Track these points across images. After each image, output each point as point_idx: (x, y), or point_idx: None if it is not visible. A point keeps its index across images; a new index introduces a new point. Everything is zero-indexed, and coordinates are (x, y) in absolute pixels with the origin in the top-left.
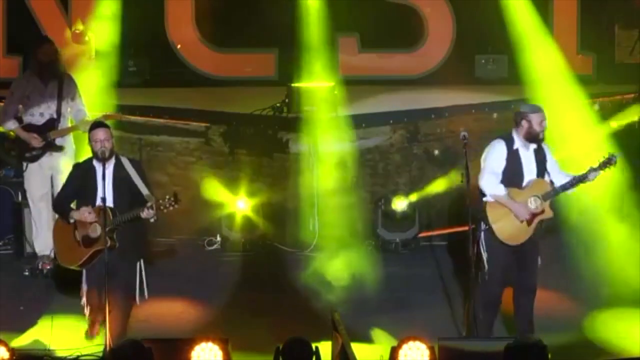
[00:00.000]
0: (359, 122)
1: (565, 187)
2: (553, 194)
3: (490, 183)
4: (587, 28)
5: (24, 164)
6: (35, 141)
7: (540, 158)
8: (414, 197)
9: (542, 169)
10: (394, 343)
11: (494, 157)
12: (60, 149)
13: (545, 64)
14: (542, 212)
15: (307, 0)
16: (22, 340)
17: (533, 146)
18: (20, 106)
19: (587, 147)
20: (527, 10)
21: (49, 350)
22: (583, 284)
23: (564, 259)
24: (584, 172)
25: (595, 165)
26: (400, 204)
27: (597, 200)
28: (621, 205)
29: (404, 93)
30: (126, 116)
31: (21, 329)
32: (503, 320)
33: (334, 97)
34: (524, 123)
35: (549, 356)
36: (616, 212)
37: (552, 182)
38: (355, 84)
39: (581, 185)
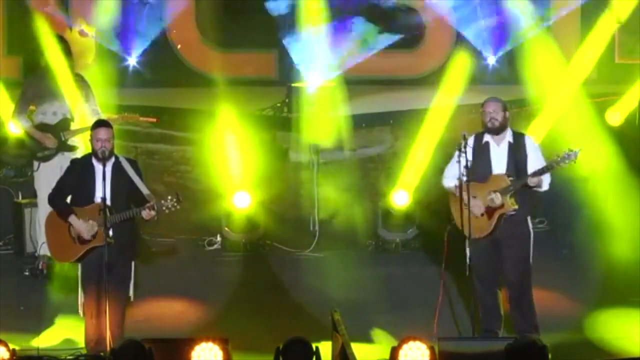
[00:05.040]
0: (359, 122)
1: (522, 182)
2: (510, 189)
3: (445, 177)
4: (587, 28)
5: (36, 164)
6: (49, 141)
7: (517, 154)
8: (412, 192)
9: (514, 165)
10: (394, 343)
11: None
12: (73, 148)
13: (545, 64)
14: (502, 206)
15: (308, 0)
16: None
17: (507, 140)
18: (32, 106)
19: (587, 147)
20: (527, 10)
21: (48, 350)
22: (583, 284)
23: (564, 259)
24: (540, 167)
25: (556, 158)
26: (399, 197)
27: (597, 197)
28: (621, 202)
29: (404, 93)
30: (143, 117)
31: (21, 329)
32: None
33: (334, 97)
34: (481, 116)
35: (549, 356)
36: (616, 209)
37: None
38: (355, 84)
39: (581, 182)
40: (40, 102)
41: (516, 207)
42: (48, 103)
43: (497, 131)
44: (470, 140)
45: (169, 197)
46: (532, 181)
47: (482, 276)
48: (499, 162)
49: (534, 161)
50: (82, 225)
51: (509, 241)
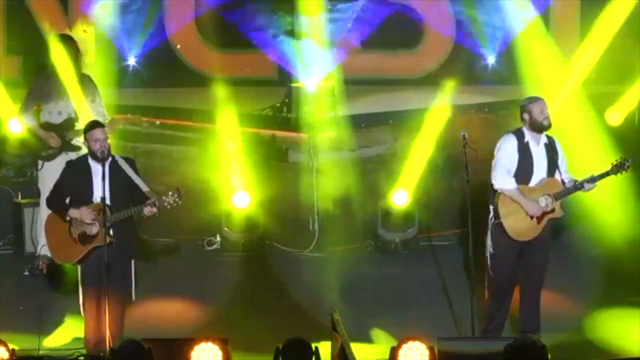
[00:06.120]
0: (359, 122)
1: (577, 187)
2: (564, 194)
3: (501, 177)
4: (587, 28)
5: (40, 163)
6: (53, 140)
7: (552, 154)
8: (412, 191)
9: (553, 165)
10: (394, 343)
11: (506, 151)
12: (77, 148)
13: (545, 64)
14: (553, 211)
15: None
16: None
17: (544, 141)
18: (35, 106)
19: (587, 147)
20: (527, 10)
21: (48, 350)
22: (583, 284)
23: (564, 259)
24: (598, 173)
25: (608, 168)
26: (399, 197)
27: (599, 198)
28: (621, 202)
29: (404, 93)
30: (145, 118)
31: (21, 329)
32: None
33: (334, 97)
34: (526, 115)
35: (549, 356)
36: (616, 209)
37: (563, 182)
38: (355, 84)
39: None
40: (47, 101)
41: (562, 213)
42: (54, 102)
43: (547, 130)
44: (512, 139)
45: (170, 193)
46: (588, 187)
47: (502, 278)
48: (539, 162)
49: (563, 164)
50: (83, 212)
51: (538, 244)
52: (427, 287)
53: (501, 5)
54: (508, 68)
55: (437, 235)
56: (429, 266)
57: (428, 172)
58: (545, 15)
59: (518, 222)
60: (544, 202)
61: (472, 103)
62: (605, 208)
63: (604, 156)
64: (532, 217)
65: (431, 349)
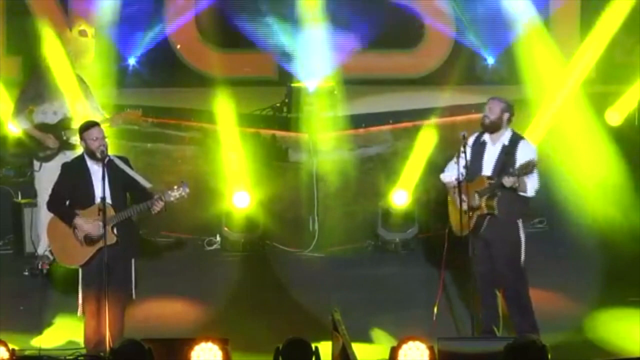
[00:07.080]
0: (359, 122)
1: (497, 184)
2: (487, 192)
3: (443, 172)
4: (587, 28)
5: (37, 164)
6: (51, 141)
7: (507, 157)
8: (412, 191)
9: (503, 166)
10: (394, 343)
11: (460, 149)
12: (75, 147)
13: (545, 64)
14: (478, 208)
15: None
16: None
17: (503, 141)
18: (31, 107)
19: (587, 147)
20: (527, 10)
21: (48, 350)
22: (583, 284)
23: (564, 259)
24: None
25: (514, 170)
26: (399, 197)
27: (597, 197)
28: (621, 202)
29: (404, 93)
30: (144, 117)
31: (21, 329)
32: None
33: (334, 97)
34: None
35: (549, 356)
36: (616, 209)
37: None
38: (355, 84)
39: (581, 182)
40: (40, 102)
41: (494, 211)
42: (48, 103)
43: (488, 129)
44: (471, 139)
45: (175, 187)
46: (507, 182)
47: (481, 274)
48: (489, 162)
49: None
50: (89, 224)
51: (497, 244)
52: (427, 287)
53: (501, 5)
54: (508, 68)
55: (437, 235)
56: (429, 266)
57: (428, 172)
58: (545, 14)
59: (452, 216)
60: (472, 198)
61: (472, 103)
62: (606, 208)
63: (604, 156)
64: (465, 212)
65: (431, 349)
